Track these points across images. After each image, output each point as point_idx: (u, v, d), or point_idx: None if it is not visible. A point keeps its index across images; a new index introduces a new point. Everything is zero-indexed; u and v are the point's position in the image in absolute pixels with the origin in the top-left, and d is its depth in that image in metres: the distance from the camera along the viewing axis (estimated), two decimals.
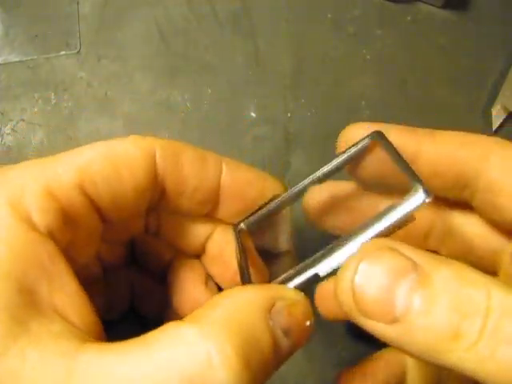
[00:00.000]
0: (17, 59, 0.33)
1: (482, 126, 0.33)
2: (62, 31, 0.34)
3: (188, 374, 0.15)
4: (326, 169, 0.23)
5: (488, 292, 0.15)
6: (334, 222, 0.25)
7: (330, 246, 0.19)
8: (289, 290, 0.19)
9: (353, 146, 0.22)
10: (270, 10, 0.34)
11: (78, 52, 0.33)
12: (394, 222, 0.18)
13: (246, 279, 0.21)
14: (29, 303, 0.16)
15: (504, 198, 0.20)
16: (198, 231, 0.24)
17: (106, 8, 0.34)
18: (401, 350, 0.16)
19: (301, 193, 0.23)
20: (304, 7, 0.34)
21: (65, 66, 0.33)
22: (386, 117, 0.33)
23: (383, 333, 0.16)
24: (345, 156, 0.23)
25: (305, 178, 0.23)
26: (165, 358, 0.15)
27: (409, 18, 0.34)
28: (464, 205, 0.22)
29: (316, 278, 0.19)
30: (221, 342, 0.15)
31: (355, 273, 0.17)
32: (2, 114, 0.32)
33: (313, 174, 0.23)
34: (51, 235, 0.17)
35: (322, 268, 0.19)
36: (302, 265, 0.19)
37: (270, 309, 0.18)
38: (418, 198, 0.18)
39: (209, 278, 0.25)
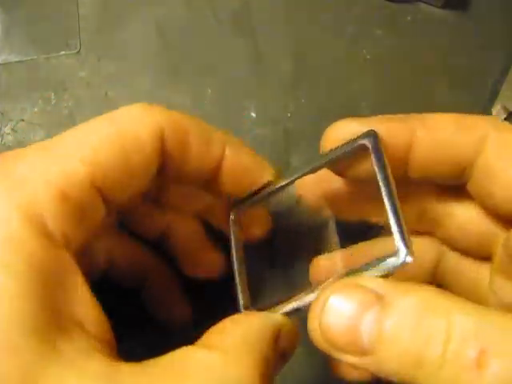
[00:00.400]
0: (17, 59, 0.33)
1: None
2: (62, 31, 0.34)
3: None
4: (309, 168, 0.23)
5: (448, 318, 0.15)
6: (333, 207, 0.25)
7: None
8: (286, 319, 0.21)
9: (341, 146, 0.22)
10: (270, 9, 0.34)
11: (78, 52, 0.33)
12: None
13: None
14: (53, 321, 0.16)
15: (498, 184, 0.20)
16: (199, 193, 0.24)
17: (106, 8, 0.34)
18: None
19: (290, 185, 0.23)
20: (304, 7, 0.34)
21: (65, 65, 0.33)
22: None
23: (357, 364, 0.17)
24: (328, 158, 0.23)
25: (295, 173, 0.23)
26: None
27: (409, 18, 0.34)
28: (459, 189, 0.22)
29: (300, 310, 0.20)
30: (247, 368, 0.17)
31: (322, 309, 0.17)
32: (1, 113, 0.32)
33: (301, 169, 0.23)
34: (66, 239, 0.17)
35: (304, 302, 0.20)
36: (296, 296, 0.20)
37: (277, 337, 0.20)
38: (399, 258, 0.18)
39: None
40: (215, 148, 0.21)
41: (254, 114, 0.33)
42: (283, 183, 0.23)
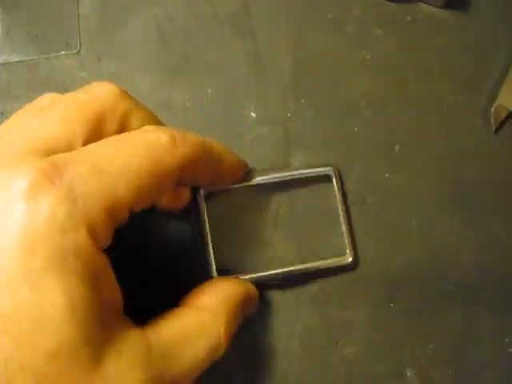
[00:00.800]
0: (17, 59, 0.33)
1: (482, 126, 0.33)
2: (62, 31, 0.34)
3: (209, 344, 0.23)
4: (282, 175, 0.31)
5: None
6: None
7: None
8: (251, 285, 0.28)
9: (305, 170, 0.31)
10: (270, 10, 0.34)
11: (78, 52, 0.33)
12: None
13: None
14: (105, 310, 0.20)
15: None
16: None
17: (106, 8, 0.34)
18: None
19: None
20: (304, 7, 0.34)
21: (65, 65, 0.33)
22: (386, 117, 0.33)
23: None
24: (297, 174, 0.31)
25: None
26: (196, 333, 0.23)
27: (409, 18, 0.34)
28: None
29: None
30: (226, 325, 0.24)
31: None
32: (1, 113, 0.32)
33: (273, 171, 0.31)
34: (104, 245, 0.21)
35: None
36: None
37: (247, 299, 0.27)
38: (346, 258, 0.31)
39: None
40: (215, 166, 0.26)
41: (253, 114, 0.33)
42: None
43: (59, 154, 0.21)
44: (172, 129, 0.24)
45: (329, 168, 0.31)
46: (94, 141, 0.23)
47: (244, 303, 0.26)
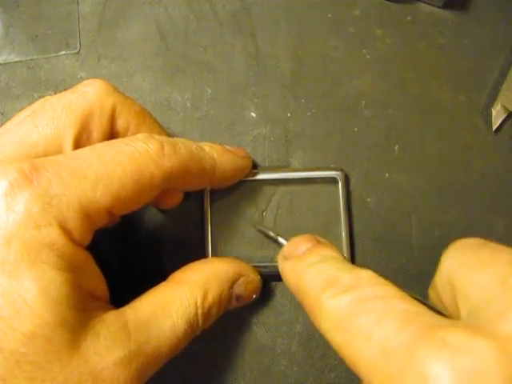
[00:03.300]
0: (17, 59, 0.33)
1: (482, 126, 0.33)
2: (61, 31, 0.34)
3: (186, 315, 0.24)
4: (287, 175, 0.31)
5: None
6: None
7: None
8: (251, 270, 0.29)
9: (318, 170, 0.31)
10: (270, 10, 0.34)
11: (78, 52, 0.33)
12: None
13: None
14: (83, 296, 0.22)
15: None
16: None
17: (106, 8, 0.34)
18: None
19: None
20: (304, 7, 0.34)
21: (65, 65, 0.33)
22: (386, 117, 0.33)
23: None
24: (305, 175, 0.31)
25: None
26: (174, 304, 0.24)
27: (409, 18, 0.34)
28: None
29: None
30: (203, 297, 0.25)
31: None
32: (1, 113, 0.32)
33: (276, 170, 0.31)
34: (83, 241, 0.22)
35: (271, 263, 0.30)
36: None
37: (235, 281, 0.27)
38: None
39: None
40: (207, 174, 0.27)
41: (253, 114, 0.33)
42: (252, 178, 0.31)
43: (42, 158, 0.22)
44: (163, 137, 0.25)
45: (338, 172, 0.31)
46: (85, 138, 0.25)
47: (232, 281, 0.27)
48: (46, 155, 0.23)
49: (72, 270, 0.21)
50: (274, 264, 0.30)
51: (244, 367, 0.30)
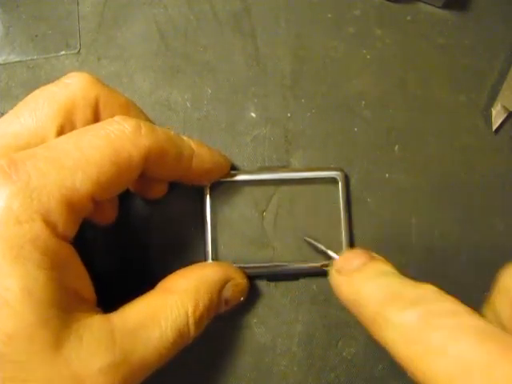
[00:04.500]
0: (17, 59, 0.33)
1: (482, 126, 0.33)
2: (61, 31, 0.34)
3: (176, 324, 0.24)
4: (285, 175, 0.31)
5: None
6: None
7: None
8: (237, 272, 0.28)
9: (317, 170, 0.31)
10: (270, 10, 0.34)
11: (78, 52, 0.33)
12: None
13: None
14: (67, 295, 0.21)
15: None
16: None
17: (106, 8, 0.34)
18: None
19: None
20: (304, 7, 0.34)
21: (65, 66, 0.33)
22: (386, 117, 0.33)
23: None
24: (305, 175, 0.31)
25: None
26: (164, 313, 0.24)
27: (409, 18, 0.34)
28: None
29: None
30: (194, 306, 0.25)
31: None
32: (1, 114, 0.32)
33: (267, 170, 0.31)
34: (68, 235, 0.22)
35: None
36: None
37: (224, 286, 0.27)
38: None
39: None
40: (185, 160, 0.26)
41: (253, 114, 0.33)
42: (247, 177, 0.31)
43: (21, 152, 0.22)
44: (141, 120, 0.24)
45: (338, 172, 0.31)
46: (69, 130, 0.24)
47: (220, 286, 0.27)
48: (29, 147, 0.22)
49: (56, 266, 0.21)
50: (274, 264, 0.30)
51: (244, 367, 0.30)
